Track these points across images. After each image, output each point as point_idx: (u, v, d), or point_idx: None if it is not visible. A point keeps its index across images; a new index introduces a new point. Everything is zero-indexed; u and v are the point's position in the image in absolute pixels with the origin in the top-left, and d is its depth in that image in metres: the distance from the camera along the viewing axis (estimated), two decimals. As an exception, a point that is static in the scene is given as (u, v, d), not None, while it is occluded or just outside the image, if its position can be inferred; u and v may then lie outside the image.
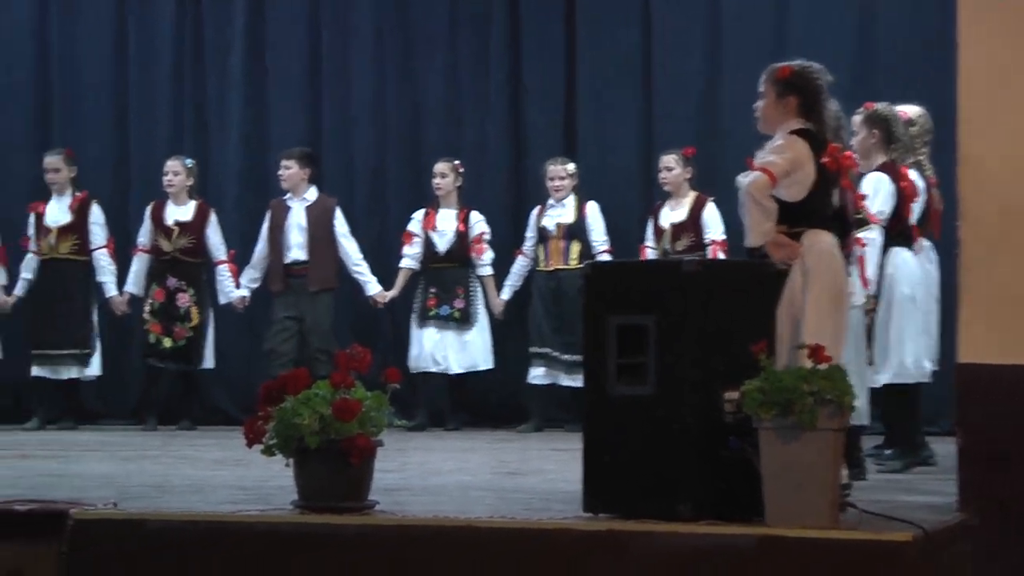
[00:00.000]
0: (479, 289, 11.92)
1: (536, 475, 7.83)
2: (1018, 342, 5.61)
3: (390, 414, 5.65)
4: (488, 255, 11.91)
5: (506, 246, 12.02)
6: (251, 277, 11.99)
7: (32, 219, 11.90)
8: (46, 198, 11.95)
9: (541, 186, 11.82)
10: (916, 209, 8.26)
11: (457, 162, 11.94)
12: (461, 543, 5.25)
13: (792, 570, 4.96)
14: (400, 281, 11.96)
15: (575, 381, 11.21)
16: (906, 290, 8.17)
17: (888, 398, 8.12)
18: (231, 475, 7.55)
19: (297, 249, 11.78)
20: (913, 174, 8.26)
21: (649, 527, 5.17)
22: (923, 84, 10.07)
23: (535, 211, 11.84)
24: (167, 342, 11.75)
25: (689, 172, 11.39)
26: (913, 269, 8.22)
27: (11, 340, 11.96)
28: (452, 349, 11.81)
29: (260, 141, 12.72)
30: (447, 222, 11.88)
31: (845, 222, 6.39)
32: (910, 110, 8.42)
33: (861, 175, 7.95)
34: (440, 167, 11.90)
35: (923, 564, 4.96)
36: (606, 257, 11.39)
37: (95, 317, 11.91)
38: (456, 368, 11.80)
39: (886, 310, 8.14)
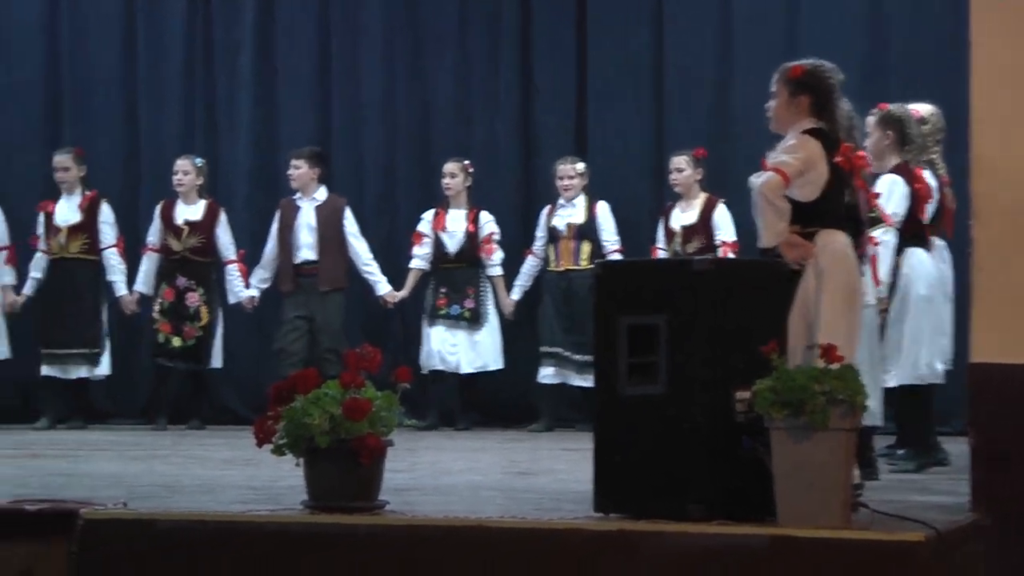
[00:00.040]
0: (489, 289, 11.91)
1: (547, 475, 7.82)
2: (1031, 342, 5.60)
3: (400, 414, 5.64)
4: (498, 255, 11.89)
5: (516, 246, 12.00)
6: (261, 277, 11.98)
7: (41, 218, 11.88)
8: (55, 197, 11.94)
9: (551, 186, 11.80)
10: (929, 209, 8.24)
11: (467, 162, 11.92)
12: (472, 543, 5.23)
13: (804, 570, 4.95)
14: (410, 281, 11.95)
15: (586, 381, 11.20)
16: (922, 291, 8.14)
17: (901, 398, 8.09)
18: (241, 475, 7.54)
19: (307, 249, 11.77)
20: (926, 174, 8.24)
21: (660, 527, 5.16)
22: (935, 83, 10.04)
23: (545, 211, 11.83)
24: (176, 341, 11.74)
25: (700, 173, 11.37)
26: (929, 269, 8.20)
27: (20, 339, 11.94)
28: (462, 349, 11.80)
29: (270, 140, 12.72)
30: (457, 222, 11.86)
31: (858, 221, 6.37)
32: (922, 108, 8.40)
33: (875, 176, 7.93)
34: (450, 167, 11.89)
35: (935, 564, 4.94)
36: (617, 257, 11.37)
37: (105, 316, 11.90)
38: (466, 368, 11.79)
39: (900, 310, 8.12)
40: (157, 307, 11.81)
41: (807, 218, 6.02)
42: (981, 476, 5.59)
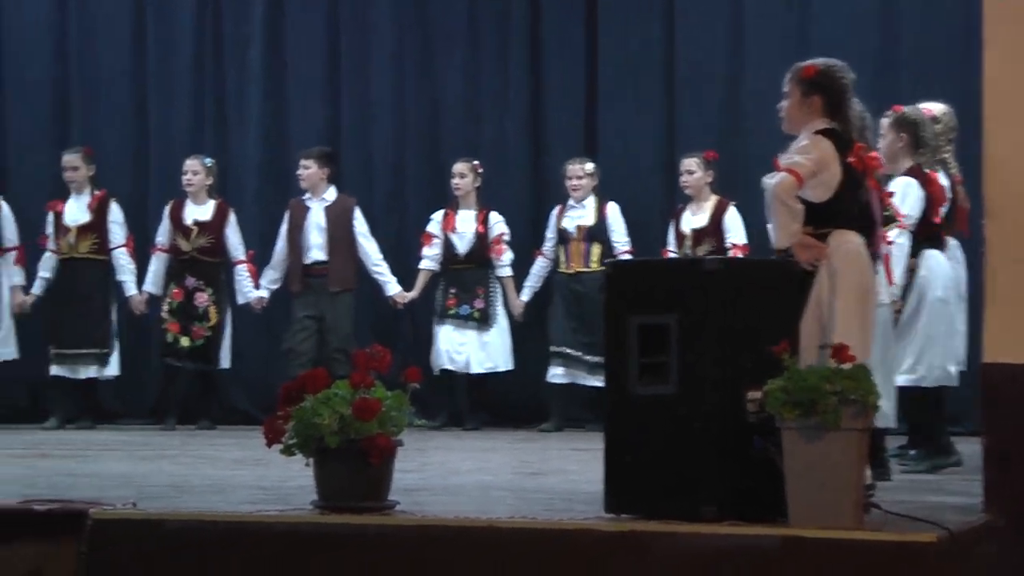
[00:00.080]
0: (499, 290, 11.89)
1: (557, 475, 7.80)
2: (1044, 341, 5.57)
3: (410, 414, 5.63)
4: (508, 256, 11.88)
5: (525, 246, 11.98)
6: (271, 278, 11.96)
7: (51, 218, 11.88)
8: (64, 197, 11.93)
9: (561, 185, 11.78)
10: (942, 211, 8.21)
11: (476, 162, 11.91)
12: (482, 544, 5.22)
13: (816, 571, 4.94)
14: (420, 282, 11.93)
15: (597, 381, 11.19)
16: (939, 293, 8.12)
17: (913, 400, 8.06)
18: (250, 475, 7.53)
19: (317, 250, 11.76)
20: (939, 175, 8.21)
21: (671, 528, 5.14)
22: (947, 80, 10.03)
23: (555, 211, 11.81)
24: (185, 341, 11.73)
25: (710, 176, 11.34)
26: (946, 272, 8.17)
27: (29, 339, 11.94)
28: (472, 349, 11.79)
29: (279, 135, 12.71)
30: (466, 223, 11.85)
31: (871, 221, 6.34)
32: (934, 107, 8.38)
33: (888, 177, 7.90)
34: (459, 167, 11.87)
35: (948, 565, 4.92)
36: (627, 258, 11.35)
37: (114, 316, 11.90)
38: (476, 368, 11.78)
39: (914, 312, 8.09)
40: (166, 307, 11.80)
41: (820, 219, 5.99)
42: (993, 476, 5.56)
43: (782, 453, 5.15)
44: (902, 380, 7.90)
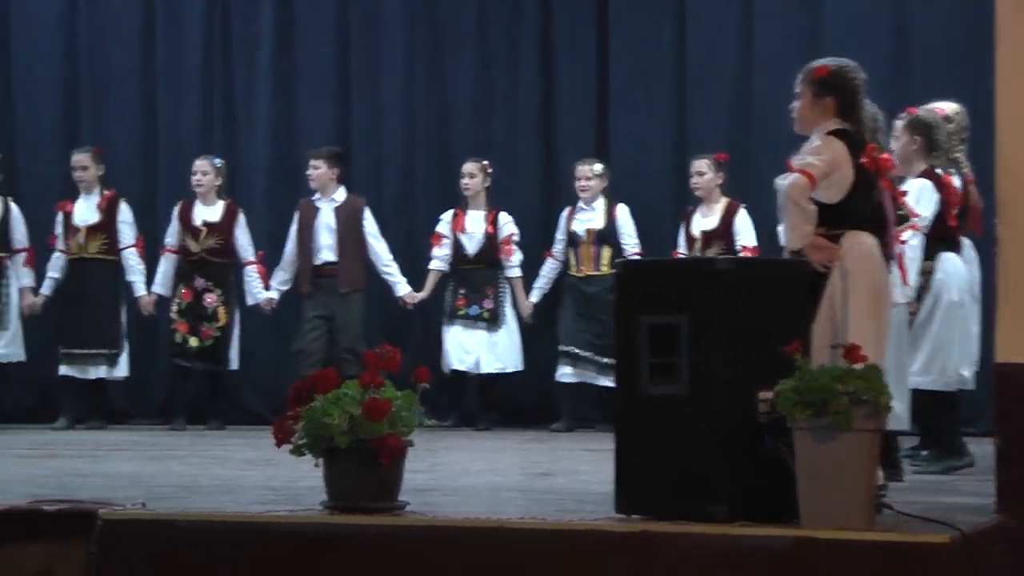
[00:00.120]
0: (508, 290, 11.89)
1: (567, 476, 7.79)
2: (1057, 342, 5.54)
3: (420, 414, 5.61)
4: (517, 257, 11.87)
5: (535, 247, 11.98)
6: (281, 279, 11.95)
7: (60, 218, 11.88)
8: (74, 197, 11.93)
9: (571, 187, 11.78)
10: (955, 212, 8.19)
11: (486, 162, 11.90)
12: (492, 544, 5.20)
13: (827, 572, 4.91)
14: (430, 282, 11.93)
15: (606, 381, 11.19)
16: (954, 296, 8.09)
17: (926, 401, 8.02)
18: (260, 475, 7.52)
19: (327, 251, 11.75)
20: (954, 178, 8.19)
21: (682, 528, 5.12)
22: (959, 80, 9.99)
23: (565, 213, 11.81)
24: (194, 342, 11.72)
25: (721, 177, 11.32)
26: (962, 275, 8.15)
27: (39, 340, 11.94)
28: (481, 350, 11.78)
29: (288, 135, 12.71)
30: (476, 224, 11.84)
31: (884, 222, 6.32)
32: (947, 107, 8.35)
33: (901, 179, 7.87)
34: (468, 167, 11.87)
35: (960, 566, 4.90)
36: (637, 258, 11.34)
37: (124, 317, 11.90)
38: (486, 368, 11.77)
39: (930, 315, 8.07)
40: (175, 307, 11.80)
41: (833, 220, 5.97)
42: (1007, 477, 5.54)
43: (793, 453, 5.13)
44: (915, 383, 7.87)
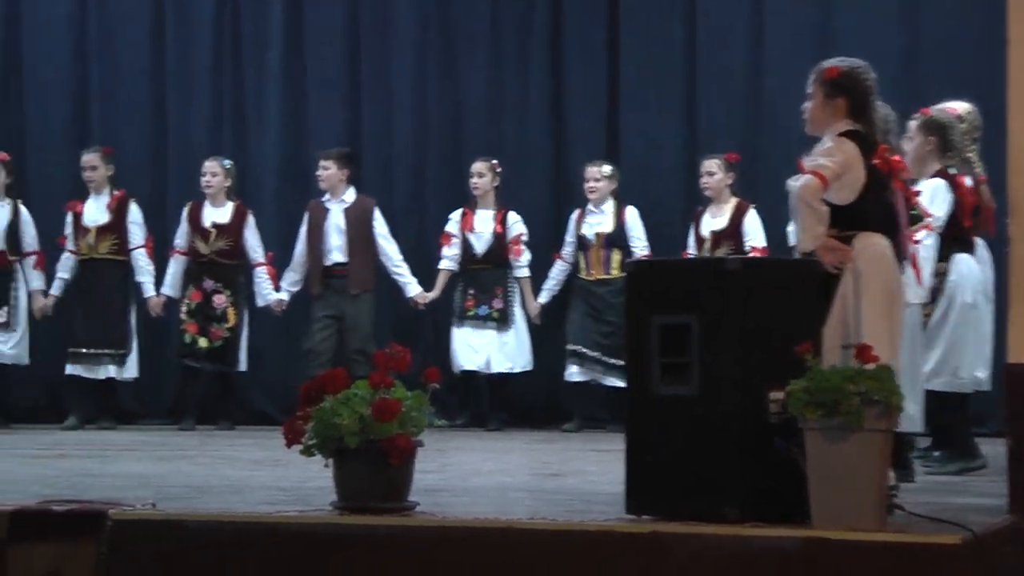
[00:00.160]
0: (517, 290, 11.88)
1: (577, 476, 7.77)
2: (1069, 341, 5.52)
3: (430, 414, 5.60)
4: (526, 256, 11.87)
5: (545, 248, 11.98)
6: (292, 280, 11.96)
7: (70, 218, 11.89)
8: (83, 197, 11.93)
9: (582, 187, 11.78)
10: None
11: (495, 161, 11.90)
12: (502, 545, 5.19)
13: (838, 573, 4.89)
14: (440, 282, 11.93)
15: (614, 381, 11.20)
16: (968, 298, 8.07)
17: (939, 402, 7.99)
18: (270, 476, 7.52)
19: (337, 252, 11.75)
20: (967, 178, 8.17)
21: (693, 529, 5.11)
22: (971, 80, 9.96)
23: (574, 215, 11.81)
24: (203, 342, 11.73)
25: (731, 178, 11.32)
26: (976, 276, 8.13)
27: (49, 340, 11.95)
28: (491, 350, 11.78)
29: (299, 136, 12.71)
30: (484, 223, 11.84)
31: (896, 224, 6.29)
32: (959, 106, 8.32)
33: (914, 181, 7.85)
34: (478, 166, 11.86)
35: (972, 567, 4.88)
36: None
37: (133, 318, 11.89)
38: (495, 368, 11.76)
39: (944, 316, 8.05)
40: (184, 308, 11.81)
41: (845, 221, 5.95)
42: (1018, 478, 5.51)
43: (804, 454, 5.12)
44: (929, 385, 7.84)
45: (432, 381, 5.56)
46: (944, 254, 8.01)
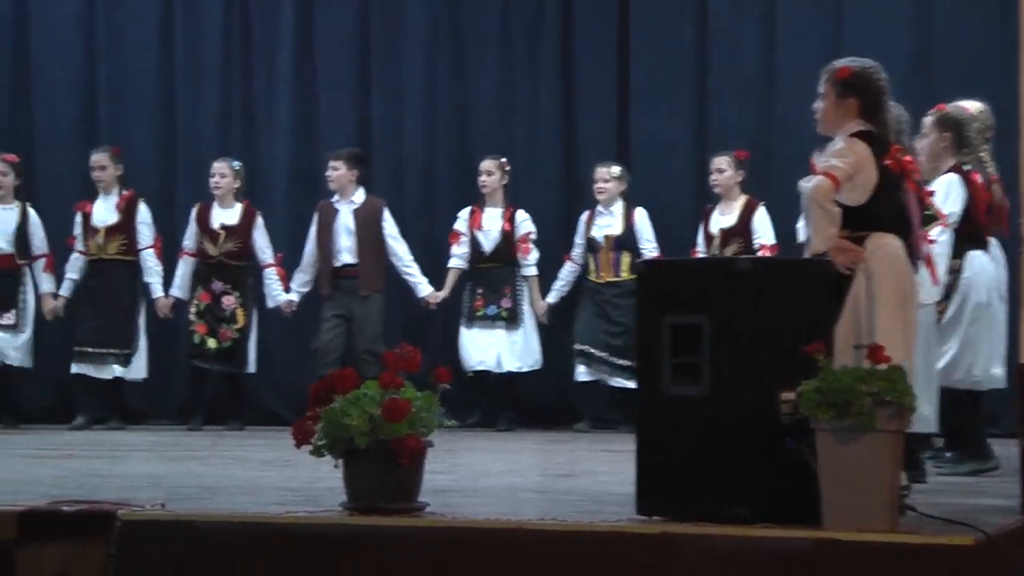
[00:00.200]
0: (526, 289, 11.87)
1: (588, 477, 7.76)
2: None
3: (440, 415, 5.59)
4: (534, 255, 11.86)
5: (554, 248, 11.96)
6: (302, 281, 11.94)
7: (79, 219, 11.88)
8: (92, 197, 11.93)
9: (592, 188, 11.76)
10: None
11: (504, 160, 11.89)
12: (512, 546, 5.18)
13: (849, 574, 4.87)
14: (450, 281, 11.93)
15: (622, 381, 11.20)
16: (982, 296, 8.05)
17: (952, 401, 7.96)
18: (280, 476, 7.51)
19: (346, 253, 11.73)
20: (979, 176, 8.15)
21: (704, 530, 5.09)
22: (983, 80, 9.93)
23: (584, 217, 11.80)
24: (212, 343, 11.72)
25: (741, 175, 11.31)
26: (990, 273, 8.11)
27: (60, 340, 11.94)
28: (501, 349, 11.77)
29: (308, 137, 12.70)
30: (493, 221, 11.83)
31: (909, 224, 6.27)
32: (971, 106, 8.30)
33: (927, 181, 7.82)
34: (486, 164, 11.86)
35: (984, 568, 4.86)
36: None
37: (141, 318, 11.88)
38: (505, 368, 11.75)
39: (958, 314, 8.02)
40: (193, 309, 11.80)
41: (857, 222, 5.93)
42: (1032, 478, 5.50)
43: (815, 454, 5.10)
44: (943, 382, 7.80)
45: (442, 381, 5.55)
46: (958, 251, 7.99)
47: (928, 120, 8.00)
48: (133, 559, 5.38)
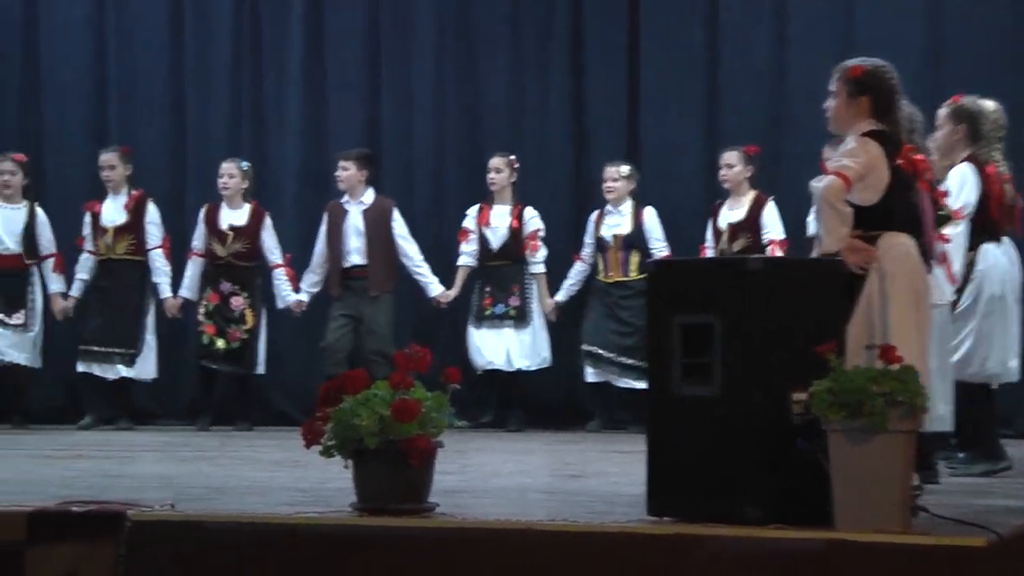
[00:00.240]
0: (534, 287, 11.85)
1: (598, 477, 7.75)
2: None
3: (450, 415, 5.57)
4: (542, 253, 11.84)
5: (566, 249, 11.94)
6: (311, 281, 11.93)
7: (88, 219, 11.88)
8: (101, 197, 11.92)
9: (601, 189, 11.75)
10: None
11: (512, 157, 11.88)
12: (522, 546, 5.16)
13: (861, 575, 4.85)
14: (459, 279, 11.92)
15: (631, 383, 11.19)
16: (996, 289, 8.02)
17: (965, 396, 7.91)
18: (289, 477, 7.50)
19: (355, 254, 11.72)
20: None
21: (715, 531, 5.07)
22: (995, 79, 9.93)
23: (593, 217, 11.80)
24: (220, 343, 11.71)
25: (750, 170, 11.30)
26: (1004, 266, 8.08)
27: (68, 340, 11.94)
28: (510, 347, 11.75)
29: (318, 138, 12.69)
30: (501, 218, 11.82)
31: (921, 224, 6.25)
32: (984, 105, 8.27)
33: (939, 181, 7.79)
34: (495, 162, 11.85)
35: (997, 570, 4.84)
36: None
37: (149, 319, 11.87)
38: (514, 366, 11.73)
39: (971, 306, 8.00)
40: (202, 309, 11.79)
41: (869, 222, 5.92)
42: (1044, 479, 5.48)
43: (827, 455, 5.08)
44: (958, 375, 7.77)
45: (452, 381, 5.53)
46: (972, 243, 7.96)
47: (943, 112, 7.98)
48: (142, 559, 5.36)
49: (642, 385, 10.56)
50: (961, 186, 7.89)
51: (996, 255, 8.07)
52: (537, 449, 10.00)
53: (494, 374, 11.79)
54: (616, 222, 11.66)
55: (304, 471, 7.54)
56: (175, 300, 11.89)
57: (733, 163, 11.28)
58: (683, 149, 12.07)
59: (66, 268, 11.90)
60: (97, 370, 11.76)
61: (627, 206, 11.66)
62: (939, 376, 6.58)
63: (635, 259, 11.53)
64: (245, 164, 11.95)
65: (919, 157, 6.20)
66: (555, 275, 11.91)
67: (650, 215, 11.63)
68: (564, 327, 11.88)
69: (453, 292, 11.87)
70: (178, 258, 11.93)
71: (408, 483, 5.46)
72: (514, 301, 11.77)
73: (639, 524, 5.30)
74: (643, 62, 12.24)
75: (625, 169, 11.66)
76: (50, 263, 11.87)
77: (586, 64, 12.42)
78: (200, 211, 11.95)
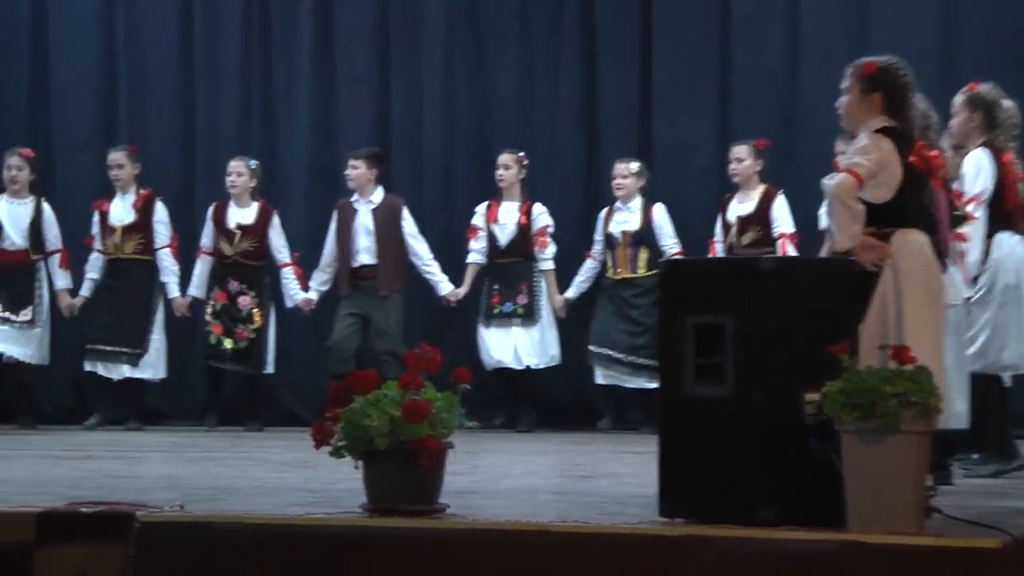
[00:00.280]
0: (543, 284, 11.83)
1: (609, 478, 7.72)
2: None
3: (461, 416, 5.55)
4: (551, 249, 11.82)
5: (575, 245, 11.92)
6: (321, 280, 11.92)
7: (96, 218, 11.87)
8: (110, 196, 11.91)
9: (611, 186, 11.74)
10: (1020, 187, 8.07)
11: (521, 154, 11.86)
12: (533, 548, 5.14)
13: (874, 577, 4.83)
14: (468, 276, 11.90)
15: (640, 383, 11.17)
16: (1011, 278, 7.98)
17: (979, 391, 7.85)
18: (299, 477, 7.48)
19: (365, 253, 11.70)
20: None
21: (728, 532, 5.05)
22: (1011, 77, 9.88)
23: (603, 214, 11.78)
24: (228, 343, 11.70)
25: (760, 164, 11.29)
26: (1020, 256, 8.03)
27: (76, 339, 11.93)
28: (518, 345, 11.73)
29: (328, 133, 12.68)
30: (509, 215, 11.80)
31: (935, 221, 6.22)
32: (1001, 96, 8.24)
33: (953, 180, 7.75)
34: (504, 158, 11.83)
35: (1010, 571, 4.81)
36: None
37: (158, 318, 11.85)
38: (523, 363, 11.70)
39: (986, 296, 7.96)
40: (209, 309, 11.79)
41: (882, 219, 5.90)
42: (1058, 480, 5.45)
43: (840, 456, 5.05)
44: (972, 367, 7.72)
45: (462, 382, 5.51)
46: (987, 232, 7.91)
47: (958, 100, 7.95)
48: (151, 560, 5.35)
49: (653, 385, 10.55)
50: (978, 171, 7.85)
51: (1011, 244, 8.03)
52: (547, 450, 9.97)
53: (504, 373, 11.76)
54: (625, 218, 11.63)
55: (314, 472, 7.52)
56: (183, 299, 11.88)
57: (743, 157, 11.26)
58: (695, 148, 12.05)
59: (72, 265, 11.88)
60: (102, 370, 11.75)
61: (636, 203, 11.63)
62: (956, 373, 6.53)
63: (644, 256, 11.50)
64: (253, 162, 11.93)
65: (933, 154, 6.17)
66: (565, 272, 11.88)
67: (659, 212, 11.60)
68: (573, 325, 11.85)
69: (463, 290, 11.85)
70: (188, 257, 11.91)
71: (418, 484, 5.43)
72: (522, 299, 11.75)
73: (650, 525, 5.28)
74: (656, 61, 12.22)
75: (635, 166, 11.64)
76: (56, 259, 11.86)
77: (597, 59, 12.40)
78: (208, 209, 11.93)
